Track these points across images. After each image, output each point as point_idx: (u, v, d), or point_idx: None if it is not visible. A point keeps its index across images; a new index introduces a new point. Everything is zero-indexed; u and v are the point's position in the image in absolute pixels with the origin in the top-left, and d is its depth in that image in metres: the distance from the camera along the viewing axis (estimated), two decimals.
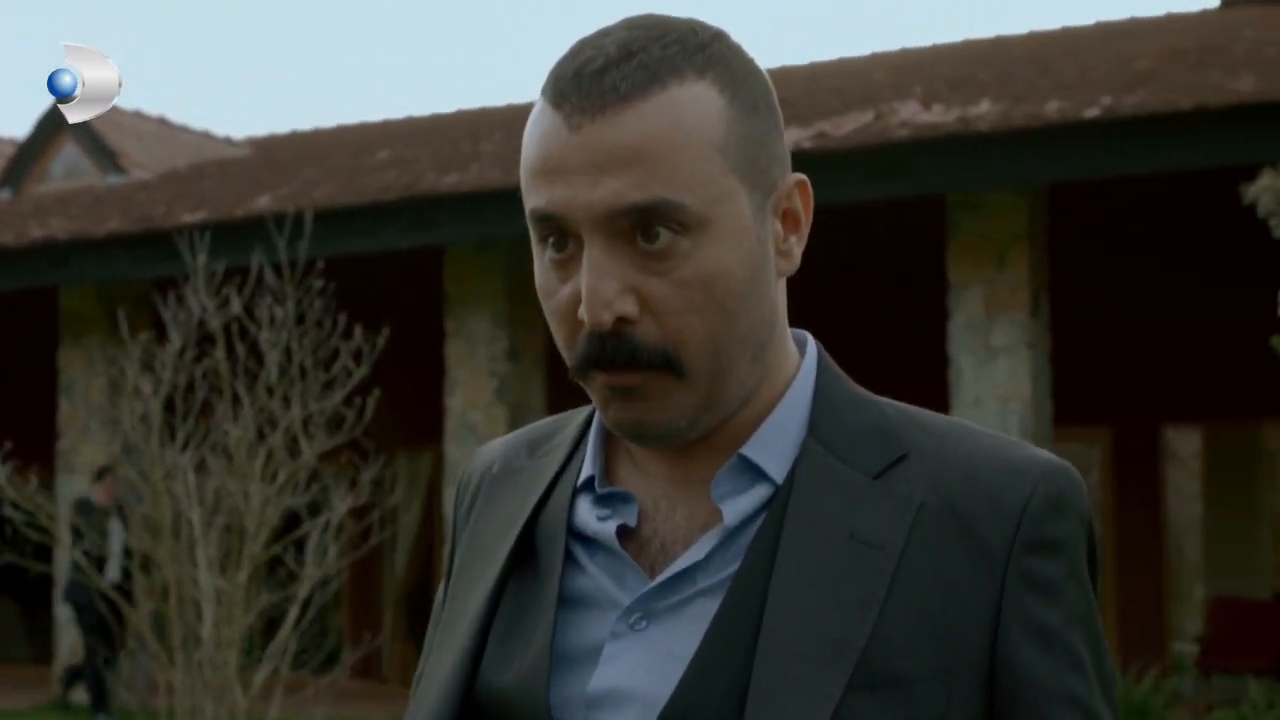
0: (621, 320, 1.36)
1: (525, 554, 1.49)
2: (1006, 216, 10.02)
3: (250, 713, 8.13)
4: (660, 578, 1.40)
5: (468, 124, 15.38)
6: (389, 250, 11.46)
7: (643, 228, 1.35)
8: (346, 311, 8.69)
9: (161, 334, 8.88)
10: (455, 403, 11.63)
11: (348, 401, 8.47)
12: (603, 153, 1.35)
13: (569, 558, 1.45)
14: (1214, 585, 14.08)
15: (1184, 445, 15.19)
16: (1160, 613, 13.98)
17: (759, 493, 1.41)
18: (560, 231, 1.37)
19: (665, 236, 1.35)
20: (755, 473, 1.42)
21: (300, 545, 8.68)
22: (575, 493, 1.49)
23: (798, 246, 1.46)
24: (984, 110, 9.98)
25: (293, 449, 8.25)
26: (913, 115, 10.49)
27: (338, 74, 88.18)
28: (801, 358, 1.50)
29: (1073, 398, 11.39)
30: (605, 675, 1.38)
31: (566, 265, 1.38)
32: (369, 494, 8.80)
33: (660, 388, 1.38)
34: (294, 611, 8.25)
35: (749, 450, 1.42)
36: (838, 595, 1.34)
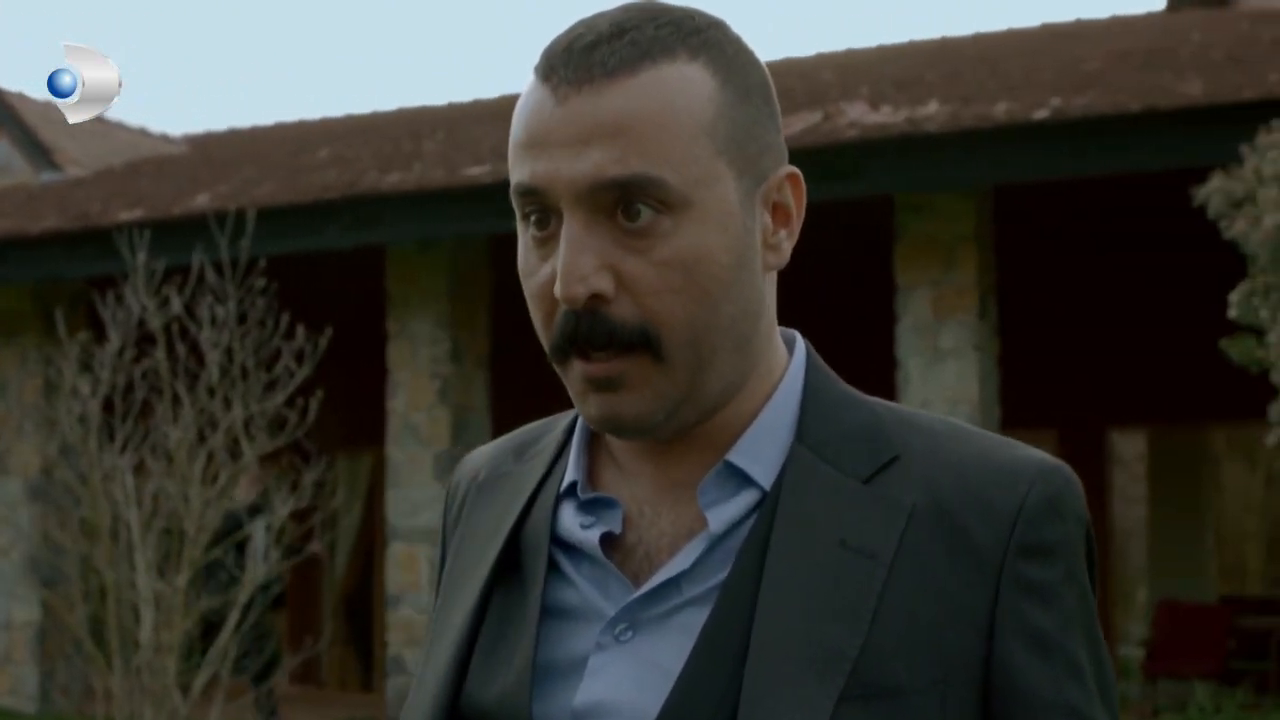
0: (596, 297, 1.33)
1: (510, 563, 1.46)
2: (954, 218, 10.05)
3: (189, 719, 8.07)
4: (645, 587, 1.37)
5: (409, 123, 15.32)
6: (331, 250, 11.40)
7: (624, 204, 1.33)
8: (289, 311, 8.63)
9: (99, 333, 8.80)
10: (397, 405, 11.58)
11: (290, 403, 8.42)
12: (586, 126, 1.33)
13: (553, 567, 1.43)
14: (1159, 588, 14.15)
15: (1129, 448, 15.28)
16: (1105, 616, 14.07)
17: (746, 499, 1.38)
18: (542, 207, 1.36)
19: (646, 215, 1.33)
20: (742, 478, 1.39)
21: (241, 548, 8.63)
22: (558, 499, 1.46)
23: (788, 241, 1.44)
24: (932, 111, 10.01)
25: (234, 451, 8.19)
26: (861, 116, 10.51)
27: (275, 72, 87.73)
28: (790, 356, 1.47)
29: (1020, 401, 11.43)
30: (591, 689, 1.35)
31: (547, 243, 1.37)
32: (311, 497, 8.75)
33: (639, 374, 1.35)
34: (234, 616, 8.20)
35: (735, 456, 1.39)
36: (829, 604, 1.32)
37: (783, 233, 1.44)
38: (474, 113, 15.31)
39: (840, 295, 13.32)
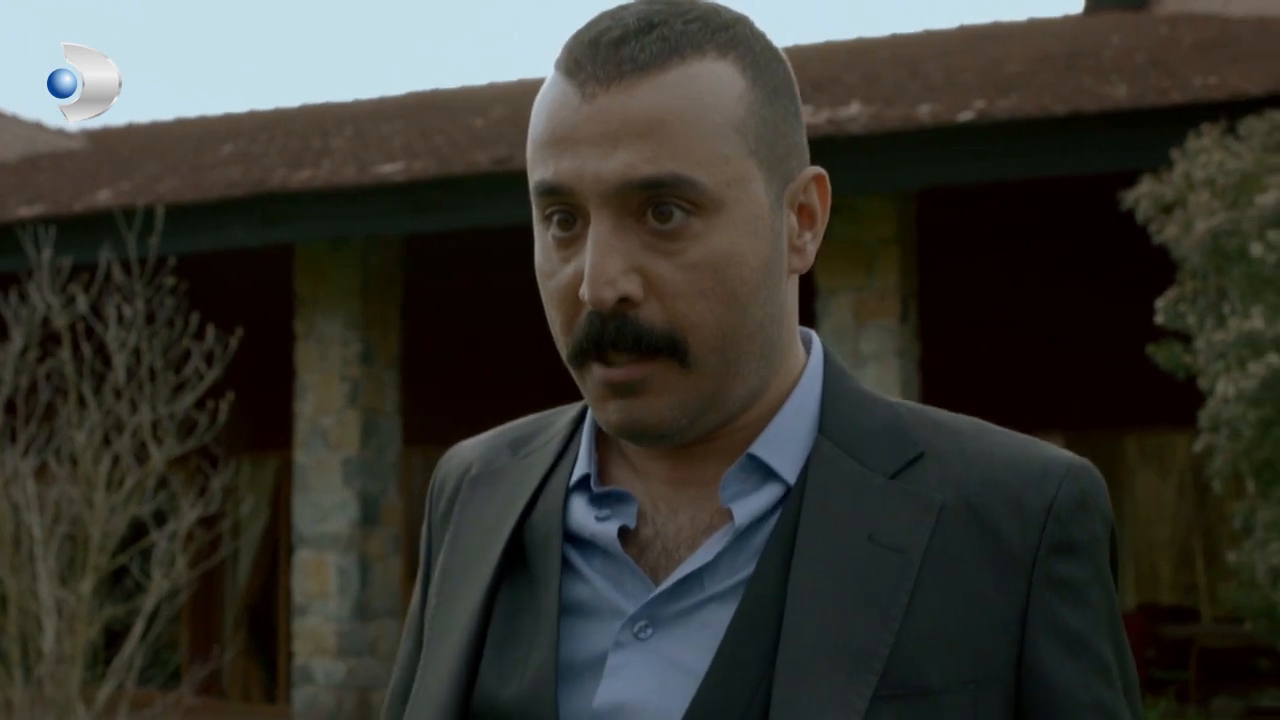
0: (624, 300, 1.31)
1: (515, 559, 1.44)
2: (877, 221, 10.10)
3: None
4: (667, 582, 1.35)
5: (315, 119, 15.23)
6: (238, 248, 11.31)
7: (654, 205, 1.31)
8: (199, 311, 8.55)
9: (1, 333, 8.68)
10: (305, 407, 11.49)
11: (199, 405, 8.33)
12: (616, 123, 1.31)
13: (563, 562, 1.40)
14: None
15: None
16: None
17: (770, 493, 1.37)
18: (566, 207, 1.34)
19: (678, 216, 1.31)
20: (765, 472, 1.38)
21: (146, 556, 8.53)
22: (568, 493, 1.44)
23: (812, 244, 1.43)
24: (854, 113, 10.05)
25: (141, 455, 8.10)
26: None
27: (173, 67, 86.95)
28: (807, 356, 1.46)
29: (942, 406, 11.48)
30: (611, 689, 1.33)
31: (571, 244, 1.35)
32: (219, 502, 8.66)
33: (663, 380, 1.33)
34: (140, 625, 8.10)
35: (759, 449, 1.38)
36: (859, 601, 1.30)
37: (808, 235, 1.43)
38: (382, 110, 15.23)
39: None
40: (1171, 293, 7.20)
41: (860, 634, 1.29)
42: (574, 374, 1.39)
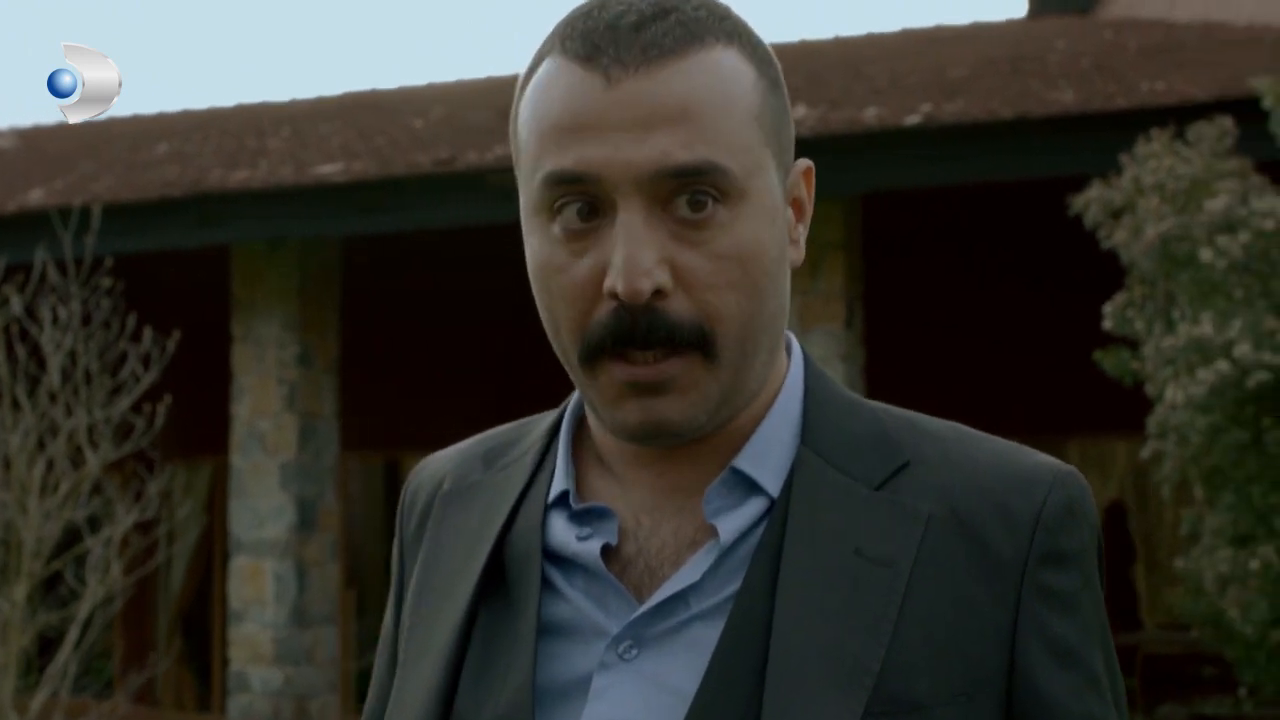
0: (657, 293, 1.28)
1: (494, 579, 1.41)
2: (822, 225, 10.11)
3: None
4: (652, 601, 1.33)
5: (251, 118, 15.14)
6: (175, 249, 11.23)
7: (687, 193, 1.29)
8: (135, 313, 8.48)
9: None
10: (241, 410, 11.42)
11: (135, 409, 8.27)
12: (646, 108, 1.29)
13: (543, 581, 1.37)
14: None
15: None
16: None
17: (754, 507, 1.35)
18: (587, 196, 1.30)
19: (708, 205, 1.29)
20: (748, 485, 1.36)
21: (81, 562, 8.46)
22: (546, 510, 1.41)
23: (803, 236, 1.42)
24: (800, 115, 10.07)
25: (76, 459, 8.03)
26: None
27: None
28: (788, 360, 1.45)
29: None
30: (596, 711, 1.31)
31: (585, 237, 1.31)
32: (155, 508, 8.59)
33: (689, 376, 1.31)
34: (74, 632, 8.03)
35: (742, 462, 1.36)
36: (847, 617, 1.29)
37: (800, 227, 1.43)
38: (319, 110, 15.15)
39: None
40: (1119, 298, 7.24)
41: (850, 651, 1.28)
42: (580, 375, 1.35)
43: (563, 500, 1.41)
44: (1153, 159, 6.97)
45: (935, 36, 15.01)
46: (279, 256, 11.37)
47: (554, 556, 1.39)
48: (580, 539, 1.37)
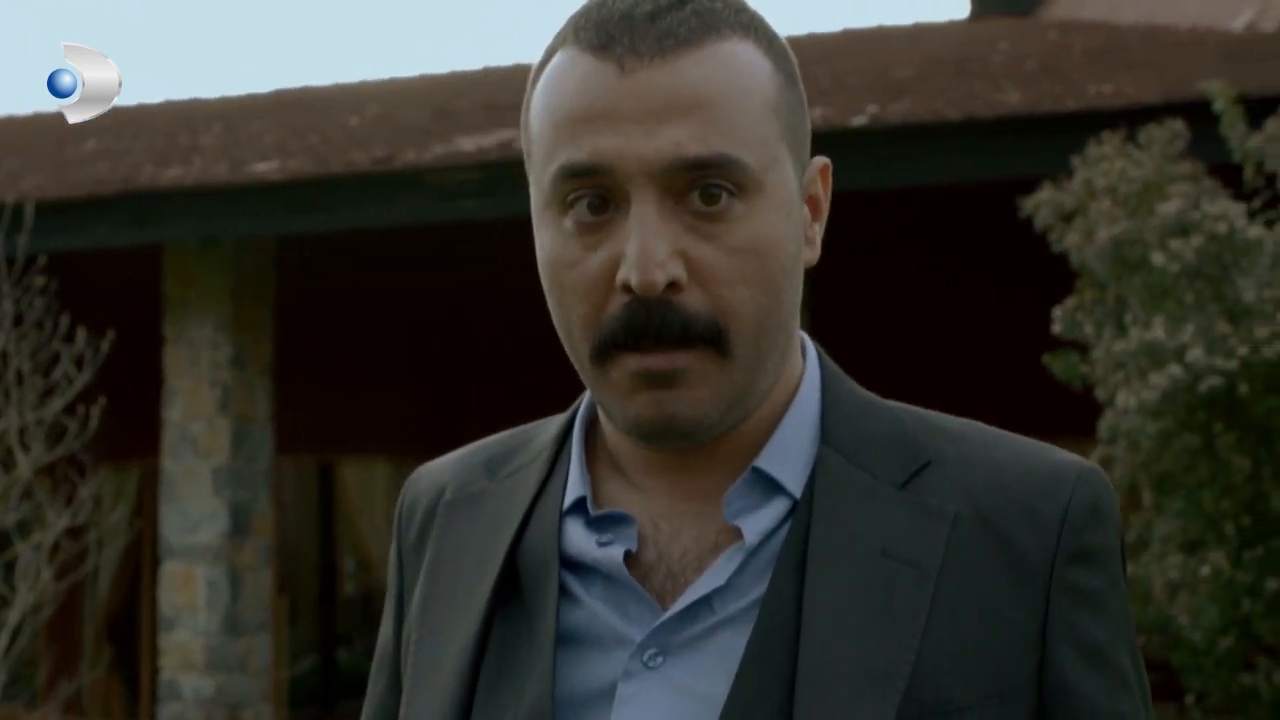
0: (671, 286, 1.27)
1: (508, 588, 1.39)
2: None
3: None
4: (677, 606, 1.32)
5: (181, 115, 15.03)
6: (106, 248, 11.13)
7: (701, 186, 1.28)
8: (69, 313, 8.40)
9: None
10: (174, 414, 11.33)
11: (68, 410, 8.20)
12: (661, 99, 1.28)
13: (560, 589, 1.36)
14: None
15: None
16: None
17: (776, 508, 1.35)
18: (599, 189, 1.29)
19: (724, 197, 1.29)
20: (770, 486, 1.35)
21: (10, 568, 8.39)
22: (562, 517, 1.40)
23: (819, 234, 1.42)
24: None
25: (7, 462, 7.95)
26: None
27: (22, 59, 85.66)
28: (804, 360, 1.44)
29: None
30: (623, 719, 1.29)
31: (597, 230, 1.30)
32: (87, 512, 8.52)
33: (700, 371, 1.30)
34: (3, 640, 7.95)
35: (763, 462, 1.35)
36: (876, 619, 1.29)
37: (816, 226, 1.43)
38: (251, 107, 15.07)
39: None
40: (1069, 302, 7.27)
41: (880, 653, 1.28)
42: (591, 372, 1.34)
43: (579, 506, 1.39)
44: (1104, 162, 7.01)
45: (877, 37, 15.06)
46: (212, 256, 11.30)
47: (571, 564, 1.37)
48: (601, 545, 1.36)
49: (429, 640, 1.42)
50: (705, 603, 1.32)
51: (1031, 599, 1.32)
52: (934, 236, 12.57)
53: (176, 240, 11.25)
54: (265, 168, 10.83)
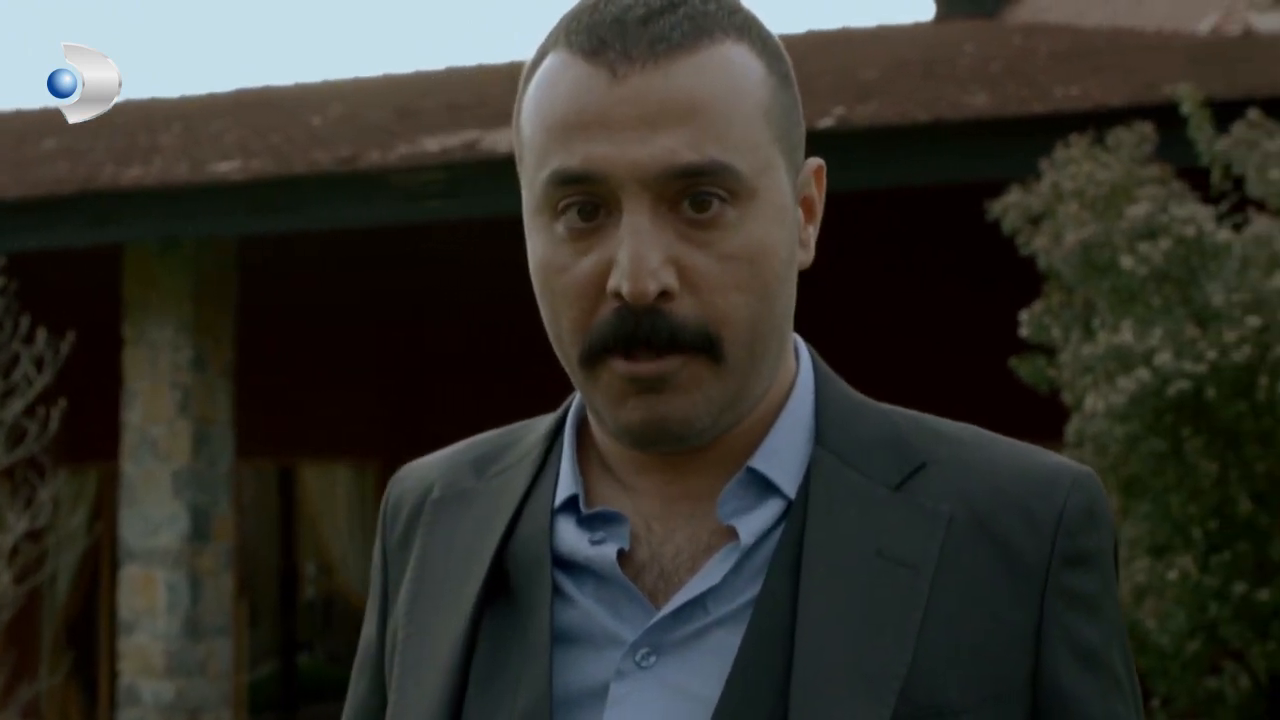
0: (663, 294, 1.28)
1: (497, 587, 1.39)
2: None
3: None
4: (670, 605, 1.32)
5: (141, 114, 14.97)
6: (65, 248, 11.08)
7: (693, 193, 1.28)
8: (29, 314, 8.36)
9: None
10: (133, 416, 11.28)
11: (28, 412, 8.16)
12: (653, 105, 1.27)
13: (552, 588, 1.36)
14: None
15: None
16: None
17: (771, 509, 1.35)
18: (590, 196, 1.29)
19: (715, 204, 1.28)
20: (764, 486, 1.35)
21: None
22: (553, 515, 1.39)
23: (814, 238, 1.42)
24: None
25: None
26: None
27: None
28: (797, 362, 1.44)
29: None
30: (616, 719, 1.29)
31: (589, 236, 1.30)
32: (46, 515, 8.48)
33: (692, 376, 1.30)
34: None
35: (757, 462, 1.36)
36: (872, 620, 1.29)
37: (810, 228, 1.42)
38: (212, 106, 15.02)
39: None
40: (1036, 305, 7.30)
41: (876, 655, 1.28)
42: (582, 376, 1.34)
43: (570, 505, 1.39)
44: (1072, 164, 7.03)
45: (842, 38, 15.09)
46: (173, 257, 11.25)
47: (562, 562, 1.37)
48: (593, 543, 1.36)
49: (416, 639, 1.42)
50: (699, 603, 1.32)
51: (1027, 601, 1.33)
52: (901, 239, 12.60)
53: (137, 241, 11.21)
54: (227, 168, 10.79)
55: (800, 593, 1.30)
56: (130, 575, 11.09)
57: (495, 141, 9.91)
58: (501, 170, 9.71)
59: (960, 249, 10.76)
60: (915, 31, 15.43)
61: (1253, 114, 6.99)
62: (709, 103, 1.29)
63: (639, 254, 1.27)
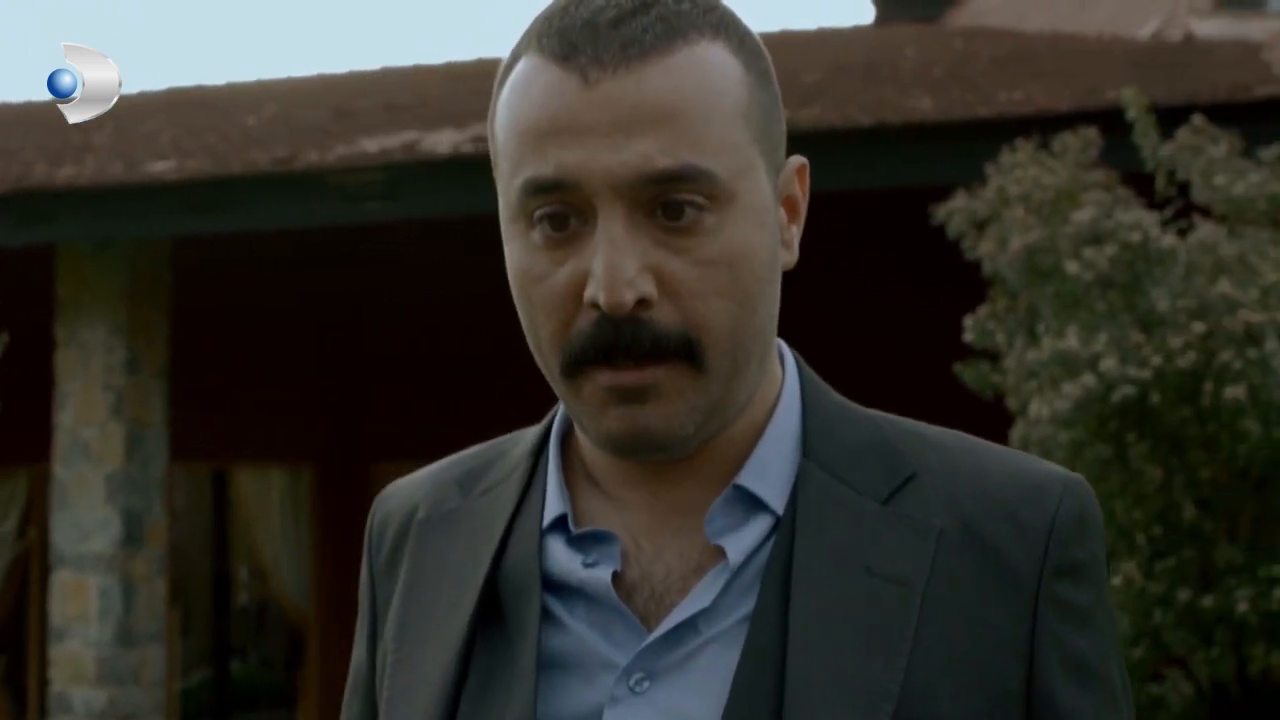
0: (641, 303, 1.26)
1: (489, 609, 1.37)
2: None
3: None
4: (661, 629, 1.30)
5: None
6: None
7: (667, 199, 1.26)
8: None
9: None
10: (65, 418, 11.19)
11: None
12: (626, 111, 1.26)
13: (542, 612, 1.34)
14: None
15: None
16: None
17: (759, 525, 1.34)
18: (564, 204, 1.27)
19: (690, 211, 1.27)
20: (752, 503, 1.34)
21: None
22: (541, 535, 1.38)
23: (797, 238, 1.41)
24: None
25: None
26: None
27: None
28: (782, 368, 1.43)
29: None
30: None
31: (565, 245, 1.28)
32: None
33: (674, 385, 1.28)
34: None
35: (745, 479, 1.34)
36: (864, 639, 1.28)
37: (794, 228, 1.41)
38: (144, 105, 14.92)
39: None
40: (981, 310, 7.32)
41: (869, 674, 1.27)
42: (563, 387, 1.32)
43: (559, 524, 1.37)
44: (1018, 169, 7.06)
45: (783, 41, 15.11)
46: (106, 257, 11.17)
47: (553, 584, 1.35)
48: (587, 565, 1.34)
49: (407, 663, 1.40)
50: (690, 624, 1.31)
51: (1018, 613, 1.32)
52: (845, 243, 12.61)
53: (69, 241, 11.13)
54: (162, 167, 10.73)
55: (790, 611, 1.29)
56: (61, 581, 11.00)
57: (435, 143, 9.88)
58: (441, 171, 9.69)
59: (905, 253, 10.80)
60: (856, 35, 15.48)
61: (1197, 120, 7.04)
62: (683, 106, 1.27)
63: (614, 263, 1.25)
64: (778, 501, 1.35)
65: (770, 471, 1.36)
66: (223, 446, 14.09)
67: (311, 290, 13.44)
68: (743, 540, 1.33)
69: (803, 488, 1.35)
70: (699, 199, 1.28)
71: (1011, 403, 7.13)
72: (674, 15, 1.31)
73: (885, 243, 11.90)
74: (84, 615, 10.89)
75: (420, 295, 13.39)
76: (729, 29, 1.34)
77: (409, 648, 1.40)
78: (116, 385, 11.09)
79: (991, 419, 8.09)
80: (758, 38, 1.39)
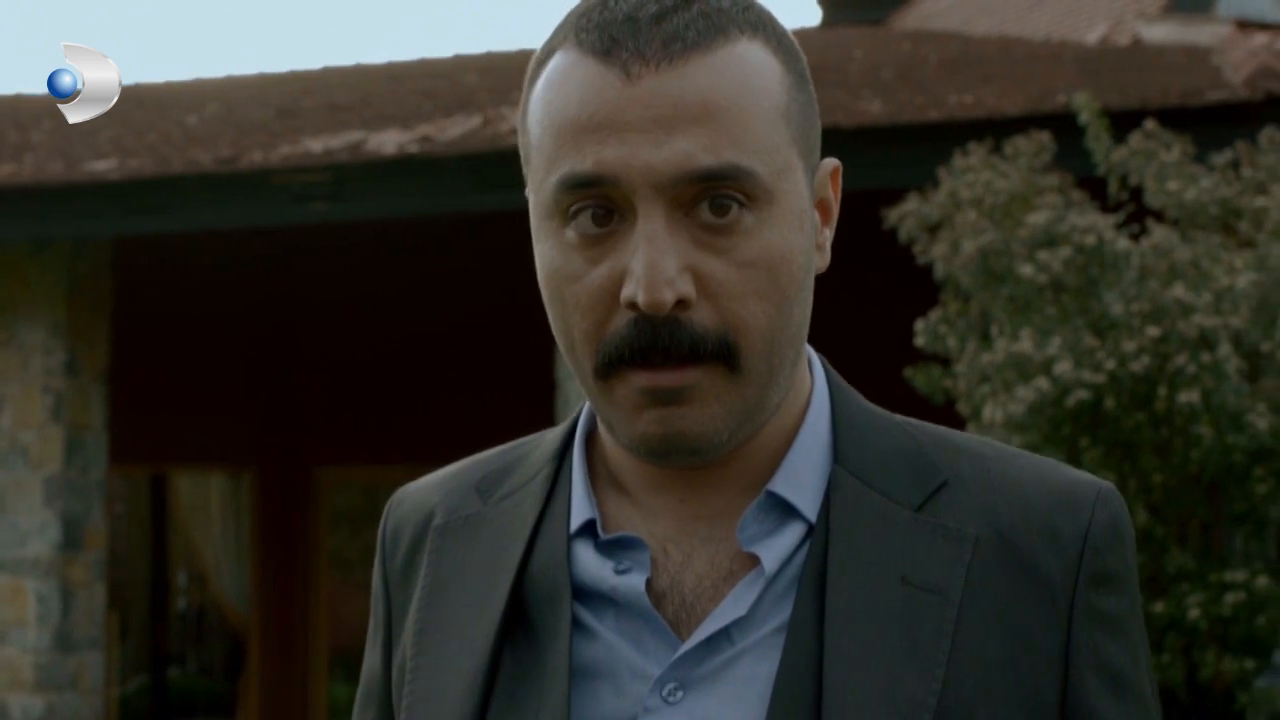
0: (680, 303, 1.24)
1: (516, 617, 1.35)
2: None
3: None
4: (696, 638, 1.29)
5: (8, 111, 14.74)
6: None
7: (710, 198, 1.25)
8: None
9: None
10: (3, 421, 11.10)
11: None
12: (668, 107, 1.25)
13: (572, 620, 1.32)
14: None
15: None
16: None
17: (793, 533, 1.32)
18: (603, 200, 1.26)
19: (733, 210, 1.26)
20: (785, 510, 1.33)
21: None
22: (569, 541, 1.36)
23: (829, 240, 1.40)
24: None
25: None
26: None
27: None
28: (811, 374, 1.42)
29: None
30: None
31: (601, 243, 1.27)
32: None
33: (710, 387, 1.26)
34: None
35: (778, 485, 1.33)
36: (900, 649, 1.27)
37: (827, 230, 1.41)
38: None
39: (505, 310, 13.30)
40: (933, 314, 7.34)
41: (906, 684, 1.26)
42: (595, 389, 1.30)
43: (586, 530, 1.36)
44: (970, 173, 7.09)
45: None
46: (45, 258, 11.08)
47: (582, 592, 1.33)
48: (619, 572, 1.32)
49: (428, 670, 1.38)
50: (724, 633, 1.30)
51: (1054, 622, 1.31)
52: None
53: (8, 241, 11.04)
54: (103, 166, 10.65)
55: (826, 621, 1.28)
56: None
57: (380, 143, 9.85)
58: (387, 172, 9.67)
59: (855, 257, 10.81)
60: (803, 37, 15.39)
61: (1148, 124, 7.08)
62: (726, 104, 1.26)
63: (655, 262, 1.24)
64: (810, 509, 1.33)
65: (803, 478, 1.34)
66: (163, 450, 14.01)
67: (253, 292, 13.38)
68: (777, 548, 1.32)
69: (835, 495, 1.33)
70: (740, 197, 1.27)
71: (963, 407, 7.15)
72: (715, 12, 1.30)
73: (835, 246, 11.90)
74: (22, 621, 10.80)
75: (364, 298, 13.34)
76: (767, 28, 1.34)
77: (430, 655, 1.38)
78: (56, 388, 11.00)
79: (942, 424, 8.12)
80: (794, 38, 1.39)
